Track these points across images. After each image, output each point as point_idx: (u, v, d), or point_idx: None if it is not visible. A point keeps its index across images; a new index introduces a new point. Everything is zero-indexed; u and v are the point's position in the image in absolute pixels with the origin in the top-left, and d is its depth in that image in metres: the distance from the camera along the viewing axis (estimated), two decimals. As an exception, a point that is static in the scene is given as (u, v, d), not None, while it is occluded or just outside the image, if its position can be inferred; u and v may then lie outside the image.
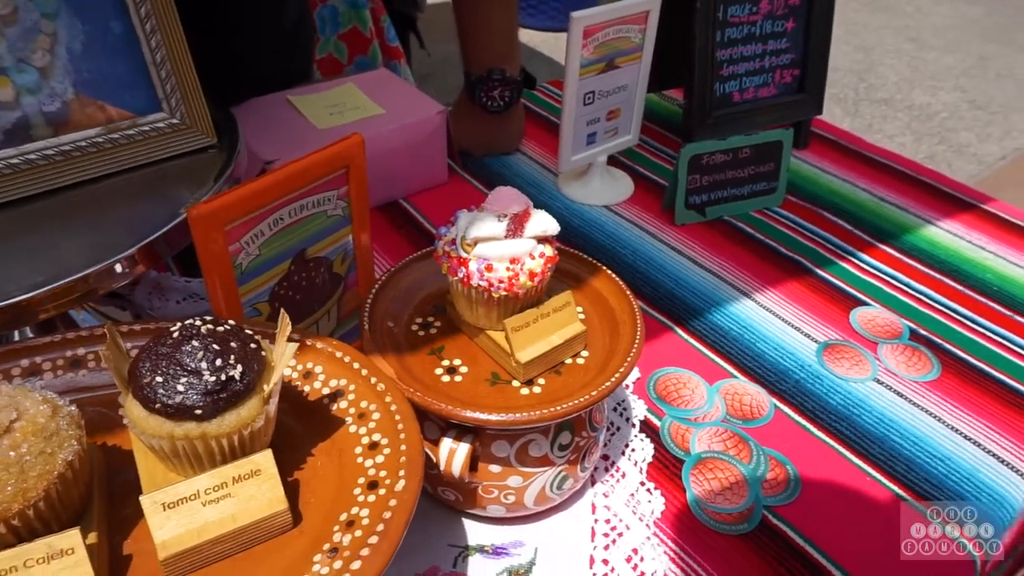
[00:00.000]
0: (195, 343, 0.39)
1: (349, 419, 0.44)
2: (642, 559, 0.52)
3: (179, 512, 0.37)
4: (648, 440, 0.61)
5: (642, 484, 0.57)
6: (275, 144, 0.76)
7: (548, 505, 0.53)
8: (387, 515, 0.38)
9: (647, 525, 0.54)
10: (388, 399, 0.44)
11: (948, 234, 0.88)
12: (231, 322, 0.42)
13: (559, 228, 0.50)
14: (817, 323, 0.74)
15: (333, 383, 0.46)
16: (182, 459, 0.39)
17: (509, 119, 0.96)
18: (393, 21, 1.27)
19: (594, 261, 0.57)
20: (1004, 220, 0.91)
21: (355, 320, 0.62)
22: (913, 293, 0.79)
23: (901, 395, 0.66)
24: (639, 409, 0.63)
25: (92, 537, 0.37)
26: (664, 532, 0.54)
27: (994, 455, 0.61)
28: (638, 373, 0.67)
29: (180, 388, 0.38)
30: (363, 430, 0.44)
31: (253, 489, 0.38)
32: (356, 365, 0.46)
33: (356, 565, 0.36)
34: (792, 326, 0.73)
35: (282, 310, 0.42)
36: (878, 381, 0.67)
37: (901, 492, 0.57)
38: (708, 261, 0.82)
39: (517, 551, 0.52)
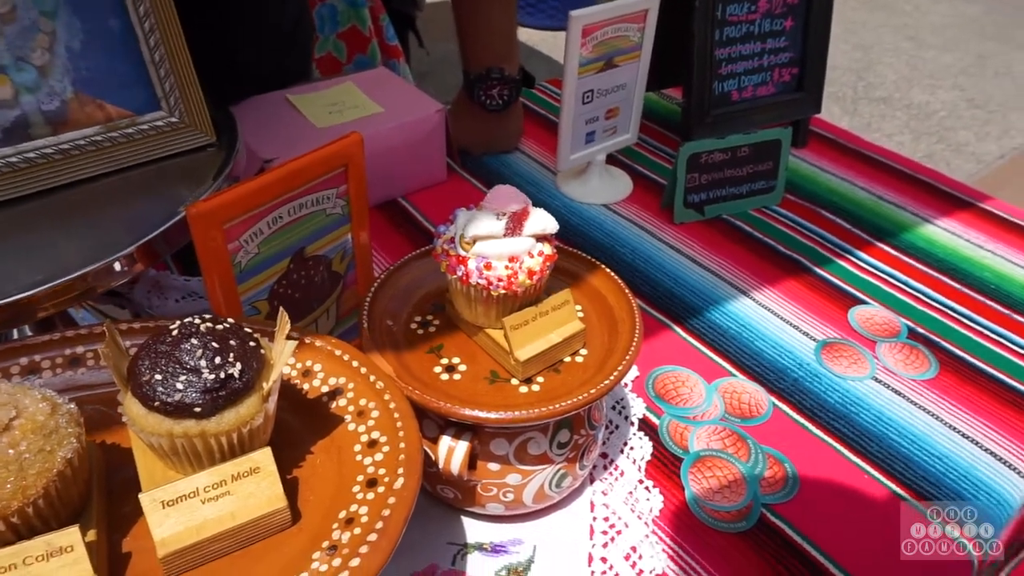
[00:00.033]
0: (194, 341, 0.39)
1: (348, 417, 0.44)
2: (640, 557, 0.52)
3: (178, 510, 0.37)
4: (647, 438, 0.61)
5: (641, 482, 0.57)
6: (274, 143, 0.76)
7: (547, 503, 0.53)
8: (386, 513, 0.38)
9: (646, 523, 0.54)
10: (387, 397, 0.44)
11: (946, 233, 0.89)
12: (230, 320, 0.42)
13: (558, 226, 0.50)
14: (815, 322, 0.74)
15: (332, 381, 0.46)
16: (181, 457, 0.39)
17: (508, 118, 0.96)
18: (392, 20, 1.27)
19: (593, 260, 0.57)
20: (1002, 219, 0.91)
21: (354, 318, 0.62)
22: (911, 292, 0.79)
23: (899, 393, 0.66)
24: (638, 407, 0.63)
25: (91, 535, 0.37)
26: (662, 530, 0.54)
27: (992, 453, 0.61)
28: (637, 371, 0.67)
29: (179, 386, 0.38)
30: (362, 428, 0.44)
31: (252, 487, 0.38)
32: (355, 363, 0.47)
33: (355, 563, 0.36)
34: (790, 324, 0.74)
35: (281, 308, 0.43)
36: (876, 379, 0.68)
37: (899, 490, 0.58)
38: (707, 260, 0.82)
39: (516, 549, 0.52)
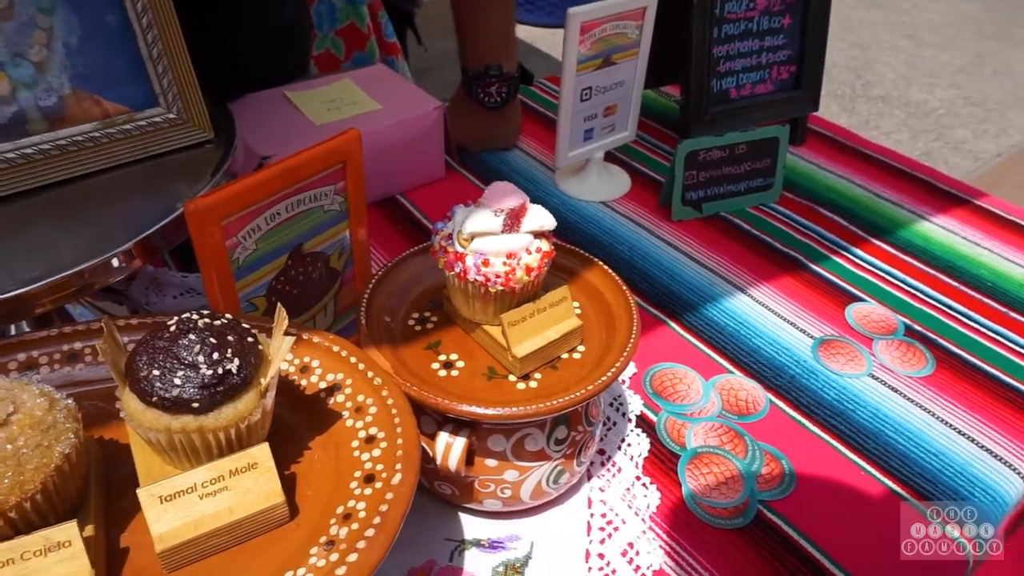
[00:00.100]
0: (192, 337, 0.39)
1: (346, 413, 0.45)
2: (638, 553, 0.52)
3: (176, 505, 0.37)
4: (644, 435, 0.61)
5: (638, 479, 0.58)
6: (272, 140, 0.76)
7: (544, 499, 0.53)
8: (383, 508, 0.38)
9: (643, 519, 0.54)
10: (385, 393, 0.44)
11: (943, 230, 0.89)
12: (228, 316, 0.42)
13: (556, 223, 0.50)
14: (813, 319, 0.74)
15: (330, 377, 0.46)
16: (179, 452, 0.39)
17: (506, 115, 0.96)
18: (390, 17, 1.27)
19: (591, 256, 0.57)
20: (999, 216, 0.91)
21: (352, 315, 0.62)
22: (908, 289, 0.79)
23: (896, 390, 0.66)
24: (635, 404, 0.64)
25: (89, 530, 0.37)
26: (660, 526, 0.54)
27: (988, 450, 0.61)
28: (634, 368, 0.67)
29: (177, 381, 0.38)
30: (360, 424, 0.44)
31: (250, 482, 0.38)
32: (353, 359, 0.47)
33: (352, 558, 0.36)
34: (788, 322, 0.74)
35: (279, 304, 0.43)
36: (873, 377, 0.68)
37: (896, 487, 0.58)
38: (704, 257, 0.82)
39: (513, 545, 0.52)
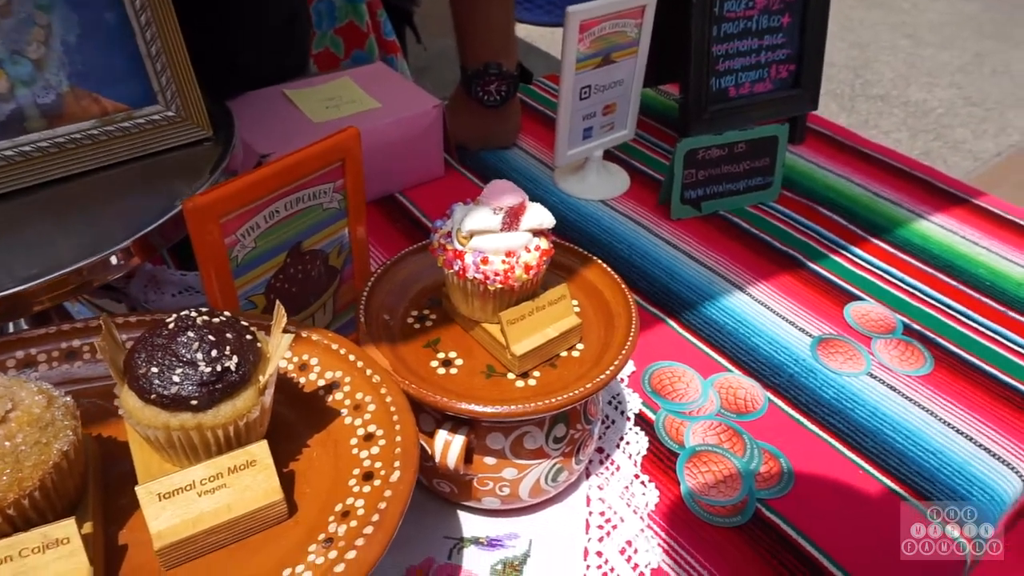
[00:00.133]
0: (191, 334, 0.39)
1: (344, 411, 0.45)
2: (636, 551, 0.52)
3: (174, 502, 0.37)
4: (643, 433, 0.61)
5: (636, 477, 0.58)
6: (271, 138, 0.76)
7: (543, 497, 0.53)
8: (382, 506, 0.38)
9: (641, 517, 0.55)
10: (383, 391, 0.44)
11: (942, 229, 0.89)
12: (227, 313, 0.42)
13: (555, 221, 0.50)
14: (811, 317, 0.74)
15: (329, 375, 0.46)
16: (177, 450, 0.39)
17: (505, 114, 0.96)
18: (389, 15, 1.27)
19: (589, 255, 0.57)
20: (997, 216, 0.91)
21: (351, 313, 0.62)
22: (907, 288, 0.79)
23: (894, 389, 0.66)
24: (634, 402, 0.64)
25: (88, 527, 0.37)
26: (658, 524, 0.54)
27: (986, 449, 0.61)
28: (633, 367, 0.67)
29: (176, 379, 0.38)
30: (358, 422, 0.44)
31: (248, 479, 0.38)
32: (352, 357, 0.47)
33: (351, 555, 0.36)
34: (787, 320, 0.74)
35: (277, 301, 0.43)
36: (871, 375, 0.68)
37: (894, 486, 0.58)
38: (703, 256, 0.82)
39: (512, 543, 0.52)
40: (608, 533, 0.53)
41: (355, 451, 0.42)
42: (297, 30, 0.98)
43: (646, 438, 0.60)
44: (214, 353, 0.39)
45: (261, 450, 0.39)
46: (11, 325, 0.58)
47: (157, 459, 0.41)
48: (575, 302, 0.53)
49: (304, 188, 0.52)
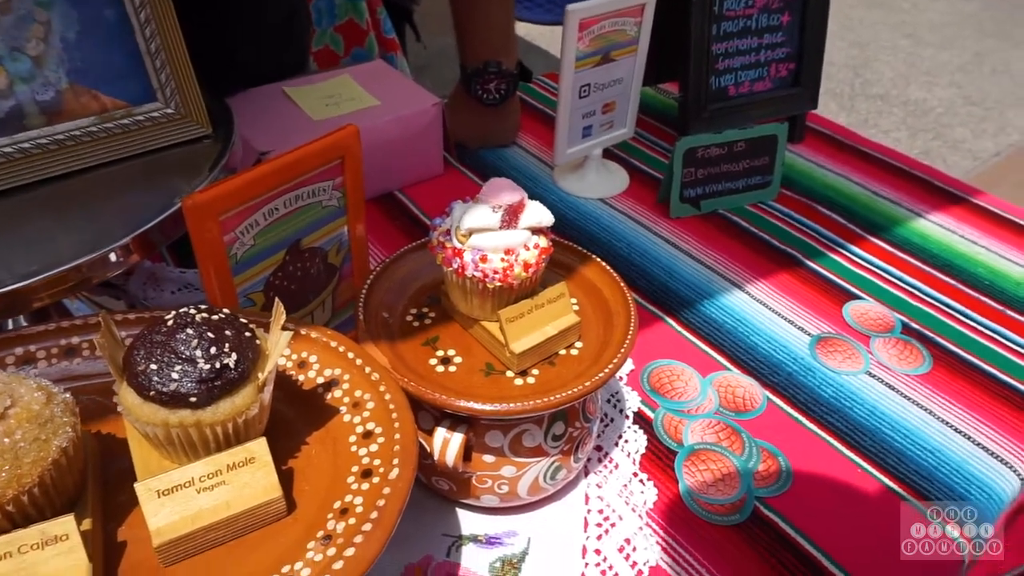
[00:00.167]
0: (190, 331, 0.39)
1: (343, 408, 0.45)
2: (634, 549, 0.52)
3: (173, 499, 0.37)
4: (641, 431, 0.61)
5: (635, 475, 0.58)
6: (270, 135, 0.76)
7: (541, 495, 0.53)
8: (381, 503, 0.38)
9: (640, 516, 0.55)
10: (382, 388, 0.45)
11: (941, 228, 0.89)
12: (226, 310, 0.42)
13: (553, 219, 0.50)
14: (810, 316, 0.74)
15: (328, 372, 0.46)
16: (176, 447, 0.39)
17: (505, 112, 0.96)
18: (389, 13, 1.27)
19: (588, 253, 0.57)
20: (996, 215, 0.91)
21: (350, 311, 0.62)
22: (906, 287, 0.79)
23: (893, 388, 0.67)
24: (633, 401, 0.64)
25: (87, 524, 0.37)
26: (656, 523, 0.54)
27: (984, 448, 0.61)
28: (632, 365, 0.67)
29: (175, 376, 0.38)
30: (357, 419, 0.44)
31: (247, 476, 0.39)
32: (351, 355, 0.47)
33: (350, 552, 0.36)
34: (785, 319, 0.74)
35: (276, 299, 0.43)
36: (870, 374, 0.68)
37: (892, 484, 0.58)
38: (702, 254, 0.82)
39: (510, 541, 0.53)
40: (607, 531, 0.53)
41: (354, 448, 0.42)
42: (296, 27, 0.98)
43: (645, 436, 0.61)
44: (213, 350, 0.39)
45: (260, 447, 0.39)
46: (10, 322, 0.58)
47: (156, 456, 0.41)
48: (574, 300, 0.53)
49: (303, 186, 0.52)
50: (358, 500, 0.39)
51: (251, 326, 0.42)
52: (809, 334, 0.72)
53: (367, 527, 0.37)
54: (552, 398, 0.45)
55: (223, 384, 0.38)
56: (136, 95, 0.58)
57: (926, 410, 0.65)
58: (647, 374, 0.67)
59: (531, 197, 0.50)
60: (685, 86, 0.93)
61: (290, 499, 0.40)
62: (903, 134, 2.62)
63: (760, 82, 0.97)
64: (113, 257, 0.50)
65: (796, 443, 0.61)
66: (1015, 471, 0.60)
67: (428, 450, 0.48)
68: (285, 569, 0.36)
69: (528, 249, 0.48)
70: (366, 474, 0.41)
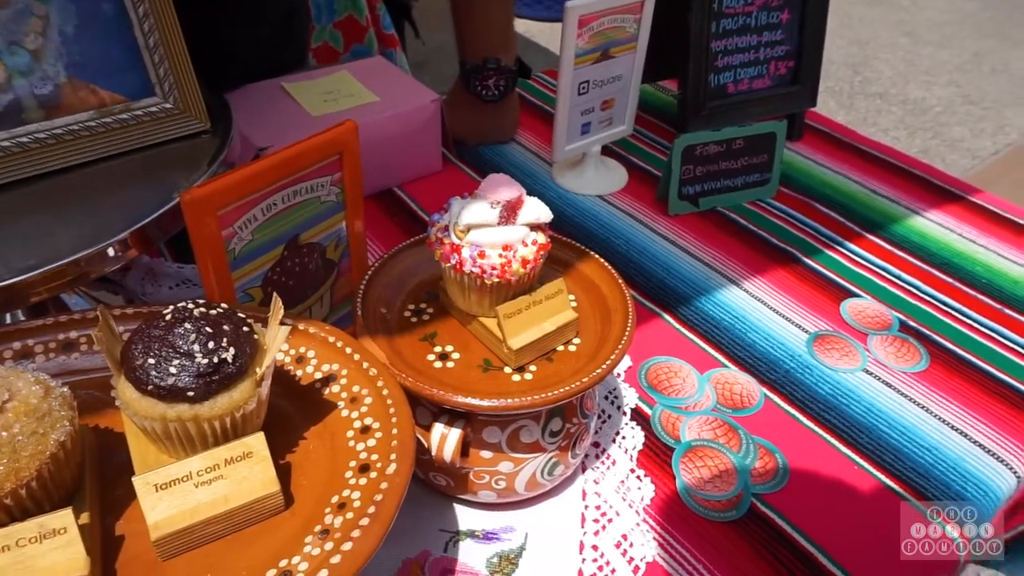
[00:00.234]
0: (188, 326, 0.39)
1: (341, 403, 0.45)
2: (631, 545, 0.52)
3: (171, 493, 0.37)
4: (639, 428, 0.61)
5: (632, 471, 0.58)
6: (269, 130, 0.76)
7: (539, 491, 0.53)
8: (378, 498, 0.38)
9: (637, 512, 0.55)
10: (380, 384, 0.45)
11: (939, 227, 0.89)
12: (224, 305, 0.42)
13: (552, 215, 0.50)
14: (808, 314, 0.74)
15: (325, 367, 0.46)
16: (174, 441, 0.39)
17: (504, 108, 0.96)
18: (388, 9, 1.27)
19: (587, 250, 0.57)
20: (994, 213, 0.92)
21: (348, 306, 0.63)
22: (903, 285, 0.79)
23: (890, 386, 0.67)
24: (630, 397, 0.64)
25: (84, 517, 0.37)
26: (653, 519, 0.54)
27: (980, 445, 0.62)
28: (629, 362, 0.68)
29: (173, 370, 0.38)
30: (355, 414, 0.44)
31: (245, 471, 0.39)
32: (348, 350, 0.47)
33: (347, 547, 0.36)
34: (783, 316, 0.74)
35: (274, 293, 0.43)
36: (867, 372, 0.68)
37: (888, 481, 0.58)
38: (701, 251, 0.82)
39: (508, 536, 0.53)
40: (604, 527, 0.54)
41: (352, 443, 0.42)
42: (296, 24, 0.98)
43: (642, 433, 0.61)
44: (211, 345, 0.39)
45: (258, 442, 0.40)
46: (8, 316, 0.58)
47: (154, 450, 0.41)
48: (572, 297, 0.54)
49: (302, 181, 0.52)
50: (356, 495, 0.39)
51: (249, 321, 0.42)
52: (807, 331, 0.72)
53: (364, 522, 0.37)
54: (550, 394, 0.45)
55: (221, 379, 0.39)
56: (134, 90, 0.58)
57: (923, 408, 0.65)
58: (645, 371, 0.67)
59: (530, 194, 0.50)
60: (684, 83, 0.93)
61: (288, 494, 0.40)
62: (902, 132, 2.62)
63: (759, 80, 0.97)
64: (111, 252, 0.50)
65: (793, 440, 0.61)
66: (1011, 469, 0.60)
67: (426, 445, 0.48)
68: (283, 563, 0.36)
69: (526, 245, 0.48)
70: (364, 469, 0.41)
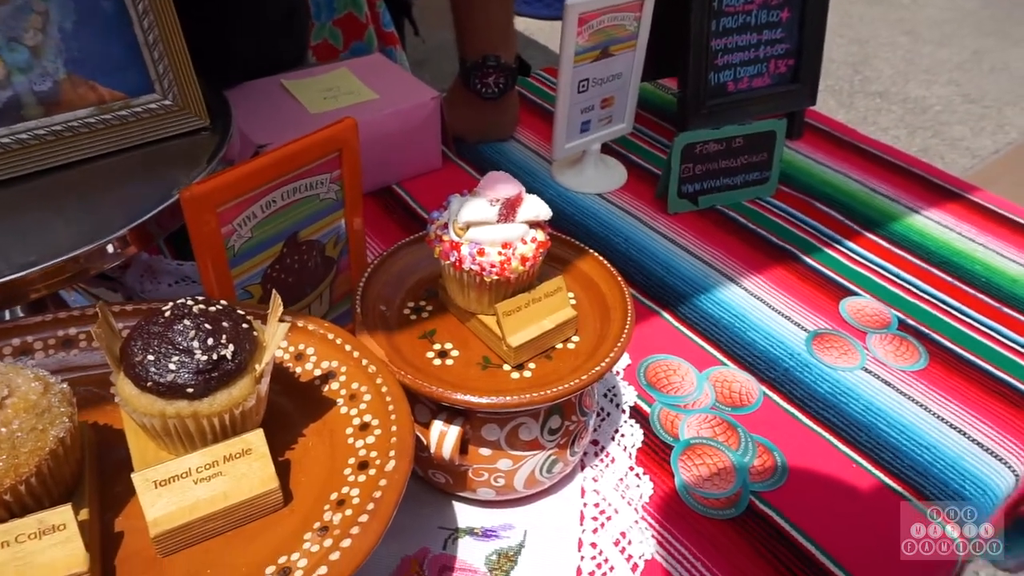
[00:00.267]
0: (187, 322, 0.39)
1: (340, 400, 0.45)
2: (630, 543, 0.52)
3: (171, 490, 0.37)
4: (638, 426, 0.61)
5: (631, 469, 0.58)
6: (268, 128, 0.76)
7: (538, 488, 0.53)
8: (377, 495, 0.39)
9: (635, 509, 0.55)
10: (379, 381, 0.45)
11: (938, 225, 0.89)
12: (223, 302, 0.42)
13: (551, 213, 0.50)
14: (807, 312, 0.75)
15: (325, 365, 0.46)
16: (173, 437, 0.39)
17: (504, 106, 0.96)
18: (388, 7, 1.27)
19: (586, 248, 0.57)
20: (994, 212, 0.92)
21: (347, 304, 0.63)
22: (902, 283, 0.79)
23: (889, 384, 0.67)
24: (629, 395, 0.64)
25: (84, 514, 0.37)
26: (652, 516, 0.55)
27: (979, 444, 0.62)
28: (628, 360, 0.68)
29: (172, 367, 0.38)
30: (354, 411, 0.44)
31: (244, 467, 0.39)
32: (348, 347, 0.47)
33: (346, 543, 0.36)
34: (782, 315, 0.74)
35: (273, 290, 0.43)
36: (866, 370, 0.68)
37: (887, 480, 0.58)
38: (700, 250, 0.82)
39: (507, 534, 0.53)
40: (602, 525, 0.54)
41: (351, 440, 0.42)
42: (295, 21, 0.98)
43: (641, 431, 0.61)
44: (210, 341, 0.39)
45: (257, 438, 0.40)
46: (7, 313, 0.58)
47: (153, 447, 0.41)
48: (571, 294, 0.54)
49: (301, 178, 0.52)
50: (355, 492, 0.39)
51: (248, 318, 0.42)
52: (806, 330, 0.72)
53: (363, 519, 0.37)
54: (548, 392, 0.45)
55: (220, 375, 0.39)
56: (134, 86, 0.58)
57: (922, 406, 0.65)
58: (644, 369, 0.67)
59: (529, 191, 0.50)
60: (684, 82, 0.93)
61: (287, 490, 0.40)
62: (902, 131, 2.62)
63: (759, 78, 0.97)
64: (111, 248, 0.50)
65: (792, 438, 0.61)
66: (1010, 467, 0.60)
67: (425, 443, 0.48)
68: (282, 560, 0.36)
69: (525, 243, 0.48)
70: (363, 466, 0.41)
